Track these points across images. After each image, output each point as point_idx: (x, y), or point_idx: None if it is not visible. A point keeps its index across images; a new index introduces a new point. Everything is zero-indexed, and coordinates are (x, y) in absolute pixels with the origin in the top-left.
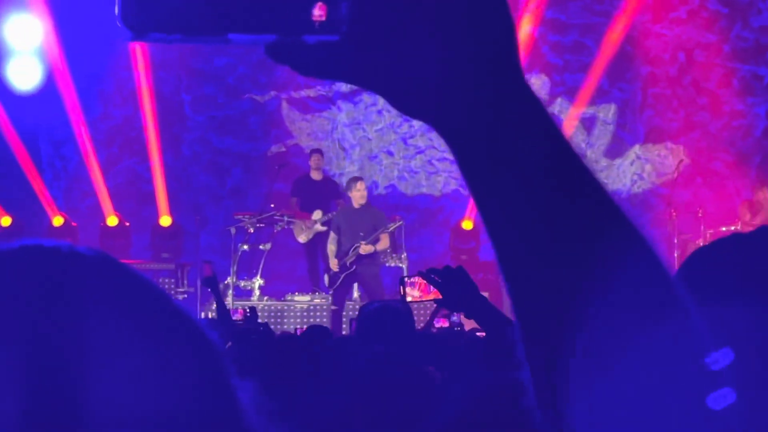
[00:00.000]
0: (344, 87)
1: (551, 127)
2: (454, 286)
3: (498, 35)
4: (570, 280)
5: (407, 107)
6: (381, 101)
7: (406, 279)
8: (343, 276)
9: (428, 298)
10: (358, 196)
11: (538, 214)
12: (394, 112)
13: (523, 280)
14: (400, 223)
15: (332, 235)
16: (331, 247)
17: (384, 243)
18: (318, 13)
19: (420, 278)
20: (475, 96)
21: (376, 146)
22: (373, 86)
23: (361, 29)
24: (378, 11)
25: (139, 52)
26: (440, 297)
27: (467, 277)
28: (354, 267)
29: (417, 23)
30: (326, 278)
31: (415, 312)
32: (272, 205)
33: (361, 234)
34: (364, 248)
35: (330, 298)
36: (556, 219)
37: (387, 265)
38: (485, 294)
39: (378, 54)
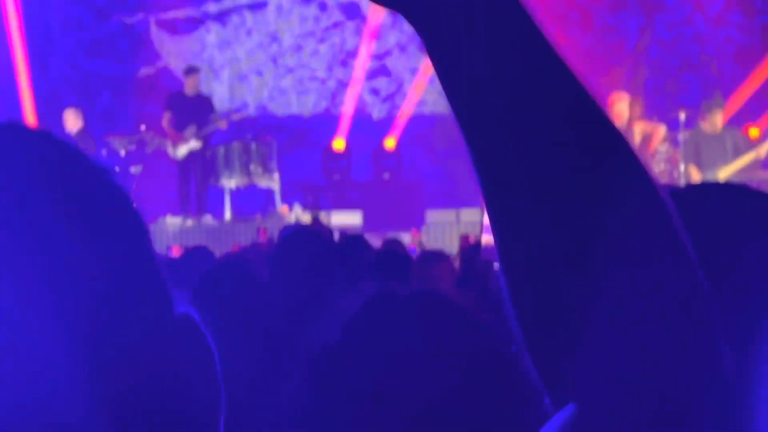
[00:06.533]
0: (213, 8)
1: (531, 27)
2: None
3: None
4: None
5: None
6: (250, 21)
7: None
8: None
9: None
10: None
11: (510, 109)
12: (263, 31)
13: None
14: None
15: None
16: None
17: None
18: None
19: None
20: None
21: (246, 66)
22: None
23: None
24: None
25: None
26: None
27: None
28: None
29: None
30: None
31: None
32: (143, 127)
33: None
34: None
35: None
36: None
37: (258, 185)
38: (357, 212)
39: None
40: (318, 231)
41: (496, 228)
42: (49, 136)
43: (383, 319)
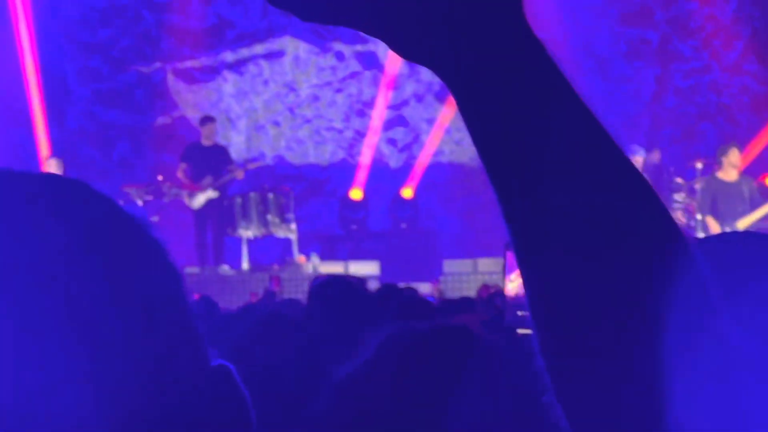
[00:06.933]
0: (229, 57)
1: (557, 74)
2: None
3: None
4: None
5: (410, 53)
6: (267, 71)
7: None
8: None
9: None
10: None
11: (542, 161)
12: (280, 81)
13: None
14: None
15: None
16: None
17: None
18: None
19: None
20: (477, 43)
21: (263, 116)
22: (374, 31)
23: None
24: None
25: (22, 24)
26: None
27: None
28: None
29: None
30: None
31: None
32: (160, 177)
33: None
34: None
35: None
36: (563, 164)
37: (275, 235)
38: (375, 262)
39: None
40: (349, 280)
41: (526, 278)
42: (86, 187)
43: (407, 350)
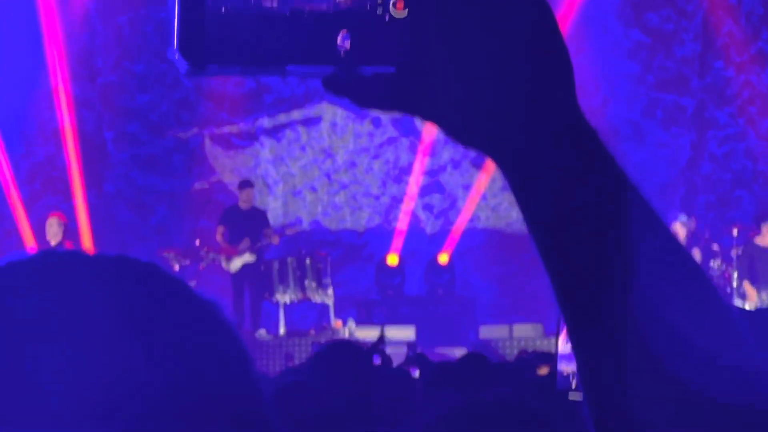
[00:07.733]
0: (267, 123)
1: (611, 163)
2: None
3: (556, 73)
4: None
5: (463, 138)
6: (304, 137)
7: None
8: None
9: None
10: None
11: (594, 252)
12: (317, 147)
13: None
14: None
15: None
16: None
17: None
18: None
19: None
20: (531, 131)
21: (300, 182)
22: (429, 117)
23: (418, 61)
24: (435, 44)
25: (61, 90)
26: None
27: None
28: None
29: (473, 57)
30: None
31: None
32: (197, 242)
33: None
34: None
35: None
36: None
37: (312, 300)
38: (411, 327)
39: (434, 86)
40: (352, 345)
41: (576, 345)
42: (157, 269)
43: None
